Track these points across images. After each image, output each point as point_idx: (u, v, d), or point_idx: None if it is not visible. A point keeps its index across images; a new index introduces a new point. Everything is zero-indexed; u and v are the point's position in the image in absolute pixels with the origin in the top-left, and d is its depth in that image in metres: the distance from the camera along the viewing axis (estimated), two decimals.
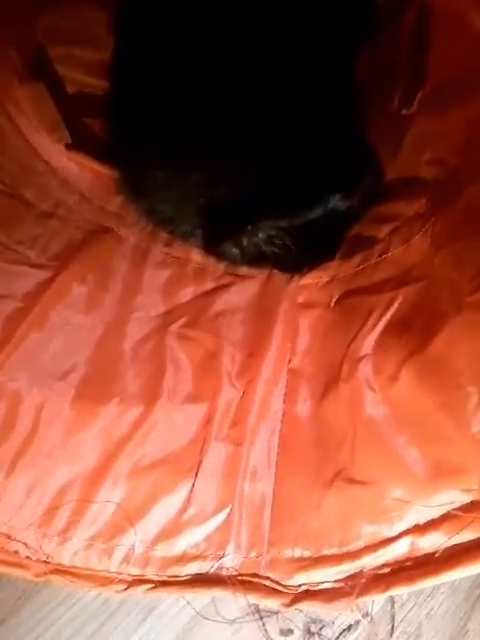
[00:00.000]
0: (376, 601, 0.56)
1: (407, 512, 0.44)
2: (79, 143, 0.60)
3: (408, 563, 0.44)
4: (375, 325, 0.49)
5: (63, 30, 0.63)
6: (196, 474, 0.50)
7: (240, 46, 0.53)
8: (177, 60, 0.54)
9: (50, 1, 0.61)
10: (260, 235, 0.54)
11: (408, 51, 0.56)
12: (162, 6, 0.56)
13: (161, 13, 0.56)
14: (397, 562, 0.45)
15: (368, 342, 0.49)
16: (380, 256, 0.54)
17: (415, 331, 0.45)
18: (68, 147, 0.60)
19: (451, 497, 0.42)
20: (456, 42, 0.51)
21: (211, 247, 0.57)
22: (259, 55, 0.53)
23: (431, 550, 0.43)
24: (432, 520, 0.43)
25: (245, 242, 0.55)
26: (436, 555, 0.42)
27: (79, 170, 0.61)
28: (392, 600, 0.56)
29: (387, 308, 0.49)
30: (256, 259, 0.57)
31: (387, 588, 0.44)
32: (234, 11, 0.54)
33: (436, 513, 0.43)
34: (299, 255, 0.55)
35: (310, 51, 0.55)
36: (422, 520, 0.44)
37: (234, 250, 0.56)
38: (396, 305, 0.49)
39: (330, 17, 0.56)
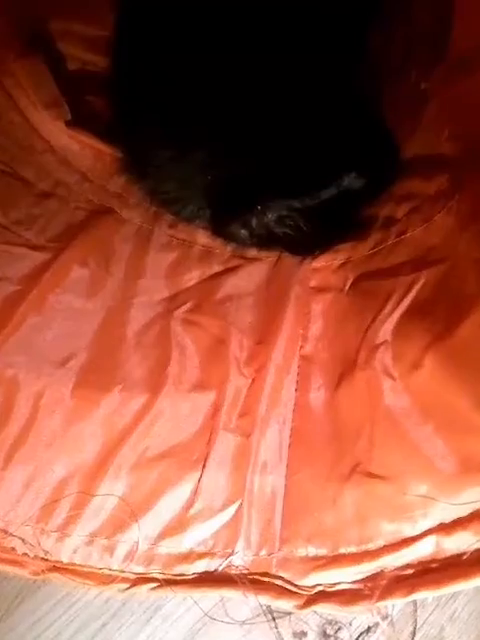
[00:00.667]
0: (397, 603, 0.54)
1: (431, 509, 0.42)
2: (80, 121, 0.59)
3: (433, 565, 0.42)
4: (394, 310, 0.47)
5: (63, 5, 0.62)
6: (203, 467, 0.48)
7: (243, 22, 0.52)
8: (179, 37, 0.53)
9: None
10: (270, 215, 0.52)
11: (427, 19, 0.53)
12: None
13: None
14: (421, 563, 0.42)
15: (386, 328, 0.47)
16: (398, 237, 0.52)
17: (439, 316, 0.43)
18: (68, 124, 0.58)
19: None
20: (475, 11, 0.48)
21: (219, 228, 0.55)
22: (263, 30, 0.52)
23: (458, 551, 0.41)
24: (459, 519, 0.41)
25: (254, 223, 0.53)
26: (464, 557, 0.40)
27: (80, 149, 0.60)
28: (414, 602, 0.54)
29: (407, 292, 0.47)
30: (266, 241, 0.55)
31: (411, 591, 0.41)
32: None
33: (464, 511, 0.40)
34: (312, 237, 0.53)
35: (319, 25, 0.54)
36: (448, 518, 0.41)
37: (243, 231, 0.54)
38: (417, 288, 0.46)
39: None
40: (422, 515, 0.42)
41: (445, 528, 0.41)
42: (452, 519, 0.41)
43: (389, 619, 0.53)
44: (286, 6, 0.53)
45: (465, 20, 0.49)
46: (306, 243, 0.54)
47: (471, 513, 0.40)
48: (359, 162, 0.52)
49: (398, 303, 0.47)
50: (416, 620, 0.54)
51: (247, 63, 0.51)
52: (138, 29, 0.58)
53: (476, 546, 0.40)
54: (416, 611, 0.54)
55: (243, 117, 0.51)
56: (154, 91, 0.55)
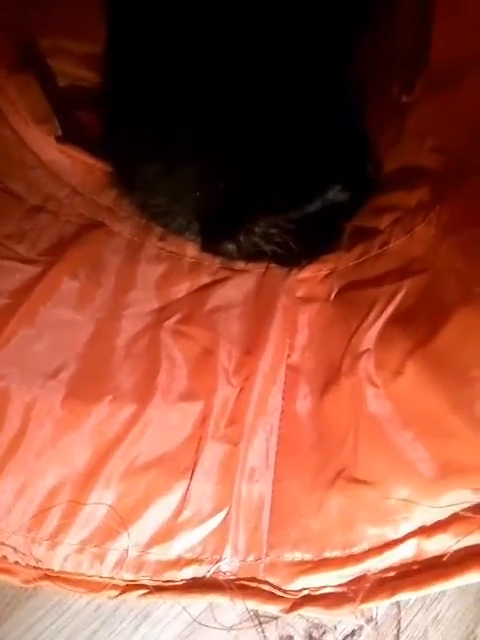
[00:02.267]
0: (381, 605, 0.54)
1: (413, 513, 0.43)
2: (71, 136, 0.59)
3: (415, 567, 0.42)
4: (377, 318, 0.47)
5: (54, 21, 0.62)
6: (192, 475, 0.49)
7: (235, 36, 0.53)
8: (170, 52, 0.53)
9: None
10: (258, 232, 0.53)
11: (408, 35, 0.54)
12: None
13: (154, 5, 0.55)
14: (403, 566, 0.43)
15: (370, 336, 0.47)
16: (381, 247, 0.52)
17: (420, 323, 0.43)
18: (59, 139, 0.58)
19: (460, 497, 0.41)
20: (456, 23, 0.49)
21: (208, 247, 0.56)
22: (251, 45, 0.52)
23: (439, 553, 0.42)
24: (439, 521, 0.42)
25: (243, 240, 0.53)
26: (444, 559, 0.41)
27: (71, 164, 0.60)
28: (398, 604, 0.54)
29: (389, 301, 0.47)
30: (254, 255, 0.56)
31: (393, 593, 0.42)
32: (226, 3, 0.53)
33: (444, 514, 0.41)
34: (298, 250, 0.54)
35: (304, 41, 0.54)
36: (429, 521, 0.42)
37: (231, 247, 0.55)
38: (399, 297, 0.47)
39: (323, 6, 0.55)
40: (404, 519, 0.43)
41: (426, 531, 0.42)
42: (433, 522, 0.42)
43: (373, 622, 0.53)
44: (274, 22, 0.54)
45: (442, 35, 0.50)
46: (293, 256, 0.55)
47: (450, 516, 0.41)
48: (343, 175, 0.53)
49: (381, 312, 0.47)
50: (400, 622, 0.54)
51: (234, 79, 0.52)
52: (129, 45, 0.58)
53: (456, 548, 0.40)
54: (400, 613, 0.54)
55: (231, 133, 0.51)
56: (144, 106, 0.55)
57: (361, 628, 0.53)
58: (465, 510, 0.40)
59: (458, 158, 0.48)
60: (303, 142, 0.52)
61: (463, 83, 0.49)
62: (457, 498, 0.41)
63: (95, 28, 0.60)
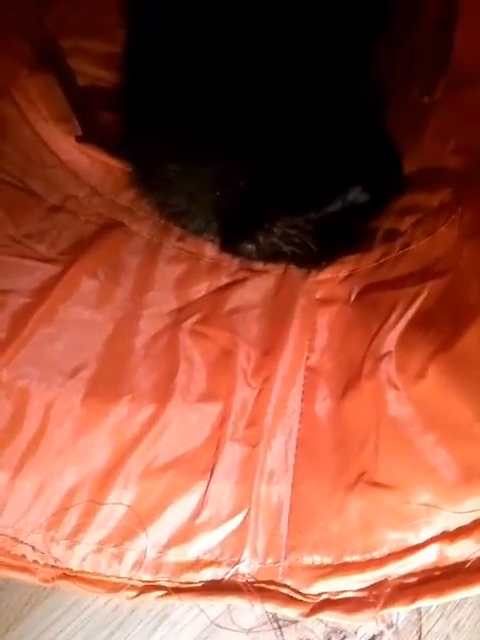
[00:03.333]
0: (401, 611, 0.53)
1: (435, 518, 0.42)
2: (90, 136, 0.59)
3: (436, 573, 0.42)
4: (398, 321, 0.47)
5: (73, 22, 0.63)
6: (210, 476, 0.48)
7: (254, 37, 0.53)
8: (190, 52, 0.54)
9: None
10: (277, 232, 0.52)
11: (430, 36, 0.54)
12: None
13: (173, 5, 0.55)
14: (424, 571, 0.42)
15: (391, 338, 0.47)
16: (402, 249, 0.52)
17: (442, 326, 0.43)
18: (78, 139, 0.59)
19: None
20: (477, 24, 0.49)
21: (228, 247, 0.55)
22: (273, 46, 0.52)
23: (461, 559, 0.41)
24: (463, 527, 0.41)
25: (262, 240, 0.53)
26: (467, 565, 0.40)
27: (90, 164, 0.60)
28: (419, 610, 0.54)
29: (411, 303, 0.47)
30: (273, 255, 0.56)
31: (414, 599, 0.42)
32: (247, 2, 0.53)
33: (467, 519, 0.41)
34: (318, 251, 0.54)
35: (325, 41, 0.54)
36: (451, 527, 0.42)
37: (250, 246, 0.54)
38: (421, 299, 0.47)
39: (345, 5, 0.55)
40: (426, 523, 0.42)
41: (448, 536, 0.41)
42: (455, 527, 0.41)
43: (394, 628, 0.53)
44: (294, 24, 0.54)
45: (463, 36, 0.49)
46: (312, 257, 0.55)
47: (474, 521, 0.40)
48: (364, 176, 0.53)
49: (402, 314, 0.47)
50: (421, 629, 0.53)
51: (254, 79, 0.52)
52: (147, 46, 0.58)
53: (479, 554, 0.40)
54: (421, 620, 0.54)
55: (250, 133, 0.51)
56: (163, 106, 0.55)
57: (381, 634, 0.53)
58: None
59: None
60: (323, 142, 0.52)
61: None
62: None
63: (114, 28, 0.60)
